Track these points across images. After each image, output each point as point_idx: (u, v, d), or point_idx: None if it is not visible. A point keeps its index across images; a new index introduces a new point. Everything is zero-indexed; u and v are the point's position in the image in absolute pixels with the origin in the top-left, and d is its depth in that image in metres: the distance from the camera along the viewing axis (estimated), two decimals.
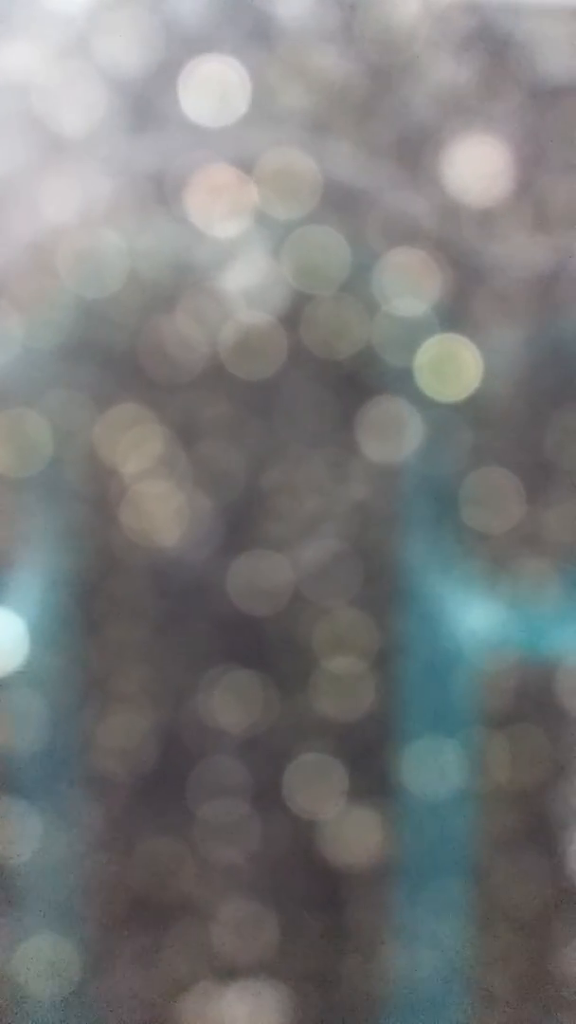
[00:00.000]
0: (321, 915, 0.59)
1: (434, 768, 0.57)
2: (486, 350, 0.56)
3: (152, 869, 0.58)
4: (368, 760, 0.58)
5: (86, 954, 0.58)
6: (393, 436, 0.57)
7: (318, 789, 0.58)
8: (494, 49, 0.56)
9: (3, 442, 0.56)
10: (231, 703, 0.57)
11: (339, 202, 0.55)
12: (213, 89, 0.54)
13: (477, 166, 0.56)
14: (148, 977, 0.58)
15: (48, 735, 0.57)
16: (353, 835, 0.58)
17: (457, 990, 0.59)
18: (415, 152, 0.56)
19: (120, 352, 0.56)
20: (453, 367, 0.56)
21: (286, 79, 0.55)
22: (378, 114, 0.56)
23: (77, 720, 0.57)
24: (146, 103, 0.55)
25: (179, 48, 0.55)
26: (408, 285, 0.56)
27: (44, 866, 0.57)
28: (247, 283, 0.56)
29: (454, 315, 0.56)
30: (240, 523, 0.57)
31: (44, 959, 0.58)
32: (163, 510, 0.57)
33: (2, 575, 0.57)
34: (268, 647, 0.57)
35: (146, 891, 0.58)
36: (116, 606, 0.57)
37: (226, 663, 0.57)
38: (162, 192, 0.55)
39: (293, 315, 0.56)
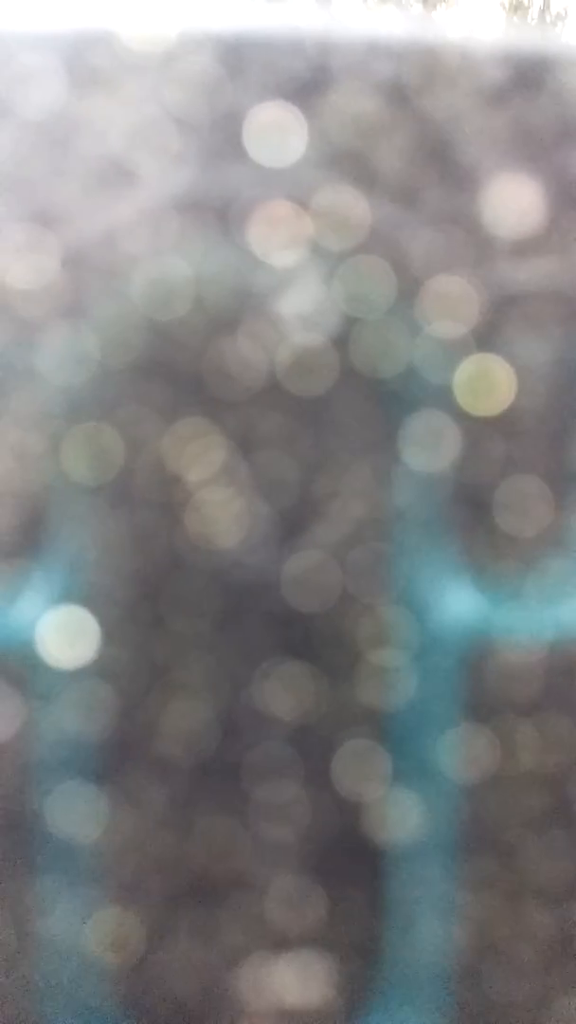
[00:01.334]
0: (366, 891, 0.60)
1: (471, 753, 0.60)
2: (519, 369, 0.59)
3: (210, 847, 0.60)
4: (408, 747, 0.60)
5: (148, 927, 0.60)
6: (433, 447, 0.60)
7: (363, 773, 0.60)
8: (528, 96, 0.61)
9: (79, 453, 0.59)
10: (284, 693, 0.60)
11: (387, 234, 0.59)
12: (275, 132, 0.58)
13: (512, 201, 0.59)
14: (206, 948, 0.60)
15: (116, 722, 0.59)
16: (396, 816, 0.60)
17: (493, 963, 0.62)
18: (456, 189, 0.59)
19: (186, 370, 0.58)
20: (489, 384, 0.59)
21: (339, 124, 0.59)
22: (423, 155, 0.59)
23: (143, 708, 0.59)
24: (215, 144, 0.58)
25: (244, 94, 0.59)
26: (448, 309, 0.59)
27: (111, 845, 0.59)
28: (301, 308, 0.58)
29: (490, 337, 0.59)
30: (293, 527, 0.59)
31: (111, 931, 0.60)
32: (224, 515, 0.59)
33: (78, 576, 0.60)
34: (317, 641, 0.60)
35: (204, 868, 0.60)
36: (180, 603, 0.59)
37: (279, 656, 0.59)
38: (227, 225, 0.58)
39: (343, 337, 0.58)
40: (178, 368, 0.58)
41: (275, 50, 0.58)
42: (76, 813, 0.59)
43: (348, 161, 0.58)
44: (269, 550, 0.59)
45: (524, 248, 0.59)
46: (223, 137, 0.58)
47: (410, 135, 0.59)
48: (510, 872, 0.61)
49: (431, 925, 0.61)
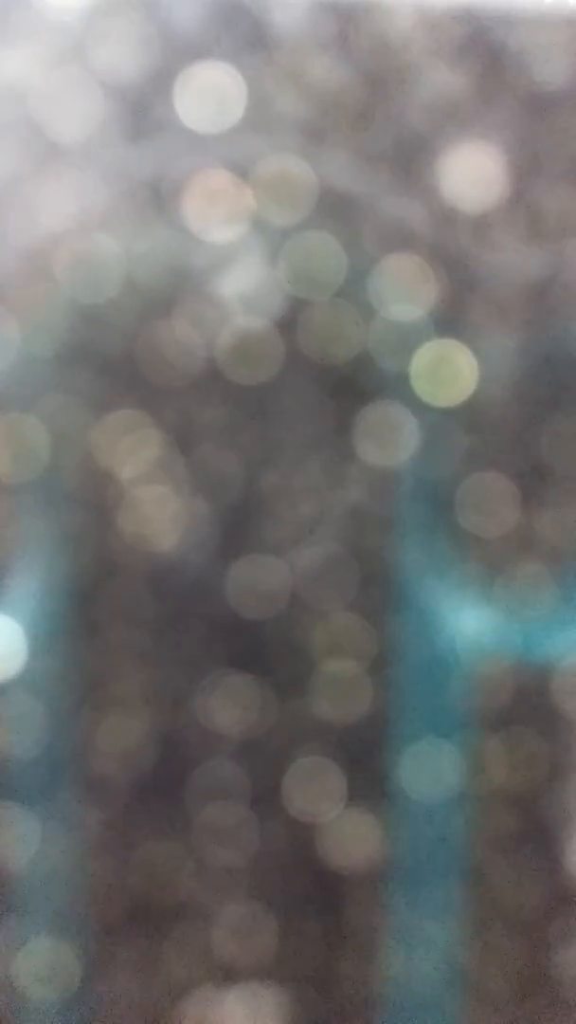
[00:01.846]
0: (320, 918, 0.58)
1: (431, 771, 0.57)
2: (481, 355, 0.57)
3: (151, 873, 0.58)
4: (366, 763, 0.57)
5: (85, 958, 0.57)
6: (389, 440, 0.57)
7: (317, 792, 0.57)
8: (489, 58, 0.56)
9: (1, 448, 0.56)
10: (229, 706, 0.57)
11: (335, 208, 0.55)
12: (209, 95, 0.54)
13: (472, 174, 0.56)
14: (147, 981, 0.58)
15: (46, 739, 0.56)
16: (352, 838, 0.58)
17: (454, 992, 0.59)
18: (410, 159, 0.56)
19: (117, 357, 0.55)
20: (449, 372, 0.56)
21: (282, 86, 0.55)
22: (373, 122, 0.56)
23: (75, 724, 0.57)
24: (143, 109, 0.55)
25: (175, 55, 0.55)
26: (403, 291, 0.56)
27: (42, 870, 0.57)
28: (243, 288, 0.56)
29: (449, 321, 0.56)
30: (237, 527, 0.57)
31: (43, 964, 0.58)
32: (160, 514, 0.57)
33: (1, 583, 0.57)
34: (266, 650, 0.57)
35: (145, 895, 0.58)
36: (114, 610, 0.57)
37: (224, 667, 0.57)
38: (159, 198, 0.55)
39: (289, 320, 0.56)
40: (108, 355, 0.56)
41: (210, 5, 0.54)
42: (4, 838, 0.56)
43: (292, 126, 0.54)
44: (211, 552, 0.56)
45: (488, 223, 0.55)
46: (153, 101, 0.54)
47: (360, 98, 0.55)
48: (482, 899, 0.57)
49: (391, 955, 0.58)
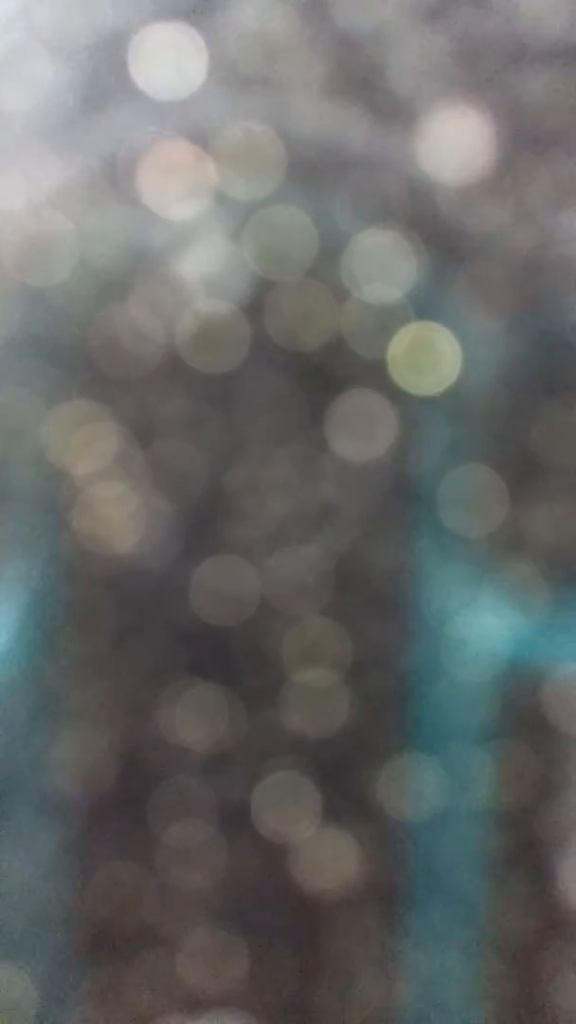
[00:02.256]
0: (294, 945, 0.57)
1: (415, 787, 0.55)
2: (465, 339, 0.54)
3: (112, 897, 0.56)
4: (343, 779, 0.56)
5: (43, 988, 0.56)
6: (365, 433, 0.54)
7: (289, 810, 0.55)
8: (472, 13, 0.53)
9: None
10: (195, 719, 0.55)
11: (305, 180, 0.53)
12: (166, 58, 0.52)
13: (455, 141, 0.53)
14: (110, 1012, 0.56)
15: None
16: (328, 860, 0.56)
17: None
18: (387, 126, 0.53)
19: (70, 345, 0.54)
20: (429, 358, 0.54)
21: (245, 47, 0.53)
22: (347, 83, 0.53)
23: (30, 738, 0.55)
24: (94, 75, 0.52)
25: (129, 15, 0.52)
26: (380, 270, 0.53)
27: None
28: (206, 269, 0.53)
29: (430, 302, 0.54)
30: (202, 527, 0.55)
31: None
32: (118, 514, 0.55)
33: None
34: (234, 659, 0.55)
35: (106, 920, 0.56)
36: (70, 617, 0.55)
37: (189, 676, 0.55)
38: (113, 171, 0.53)
39: (256, 303, 0.53)
40: (60, 342, 0.54)
41: None
42: None
43: (258, 91, 0.51)
44: (173, 554, 0.55)
45: (470, 195, 0.52)
46: (105, 65, 0.51)
47: (331, 59, 0.52)
48: (469, 924, 0.54)
49: (370, 985, 0.55)
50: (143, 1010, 0.56)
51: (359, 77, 0.53)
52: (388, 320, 0.54)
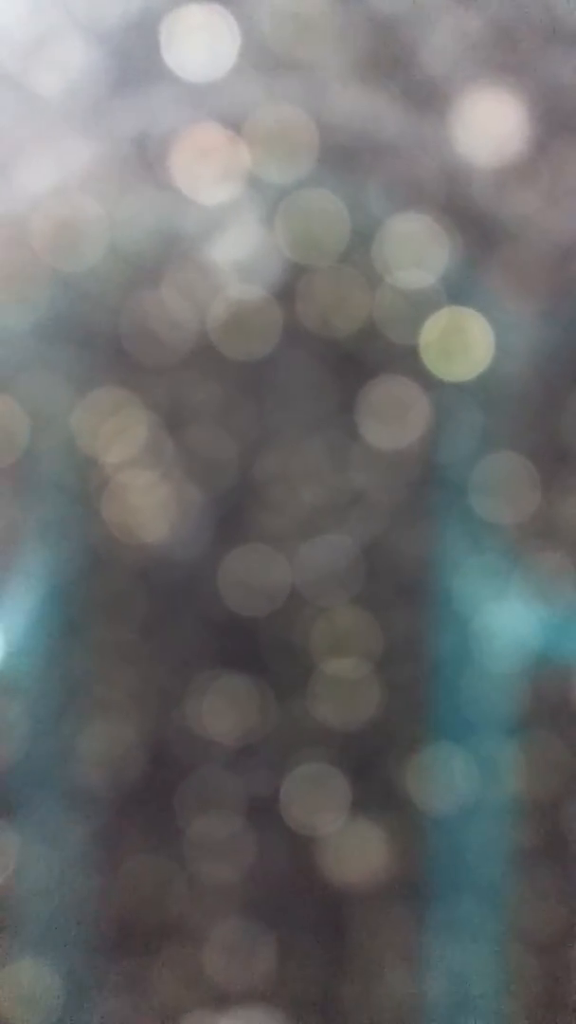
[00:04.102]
0: (322, 938, 0.56)
1: (444, 779, 0.54)
2: (498, 325, 0.54)
3: (139, 889, 0.55)
4: (372, 771, 0.55)
5: (70, 981, 0.55)
6: (397, 420, 0.54)
7: (318, 802, 0.55)
8: None
9: None
10: (224, 710, 0.55)
11: (338, 164, 0.53)
12: (199, 40, 0.51)
13: (489, 123, 0.53)
14: (136, 1005, 0.56)
15: (27, 745, 0.54)
16: (356, 852, 0.55)
17: (467, 1018, 0.56)
18: (421, 108, 0.53)
19: (101, 331, 0.53)
20: (462, 344, 0.54)
21: (279, 28, 0.52)
22: (381, 65, 0.53)
23: (58, 729, 0.54)
24: (126, 57, 0.52)
25: None
26: (414, 254, 0.53)
27: (23, 886, 0.55)
28: (238, 254, 0.53)
29: (464, 287, 0.53)
30: (232, 516, 0.54)
31: (25, 986, 0.55)
32: (148, 503, 0.54)
33: None
34: (263, 649, 0.55)
35: (133, 913, 0.56)
36: (99, 607, 0.55)
37: (218, 667, 0.55)
38: (144, 155, 0.52)
39: (288, 289, 0.53)
40: (91, 329, 0.53)
41: None
42: None
43: (291, 73, 0.51)
44: (204, 543, 0.54)
45: (504, 179, 0.52)
46: (138, 47, 0.51)
47: (365, 40, 0.51)
48: (498, 918, 0.54)
49: (398, 978, 0.55)
50: (170, 1004, 0.56)
51: (393, 60, 0.53)
52: (421, 306, 0.53)
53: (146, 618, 0.55)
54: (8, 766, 0.54)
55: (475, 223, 0.53)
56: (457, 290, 0.54)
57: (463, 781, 0.55)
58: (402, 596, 0.55)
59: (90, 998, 0.56)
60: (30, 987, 0.55)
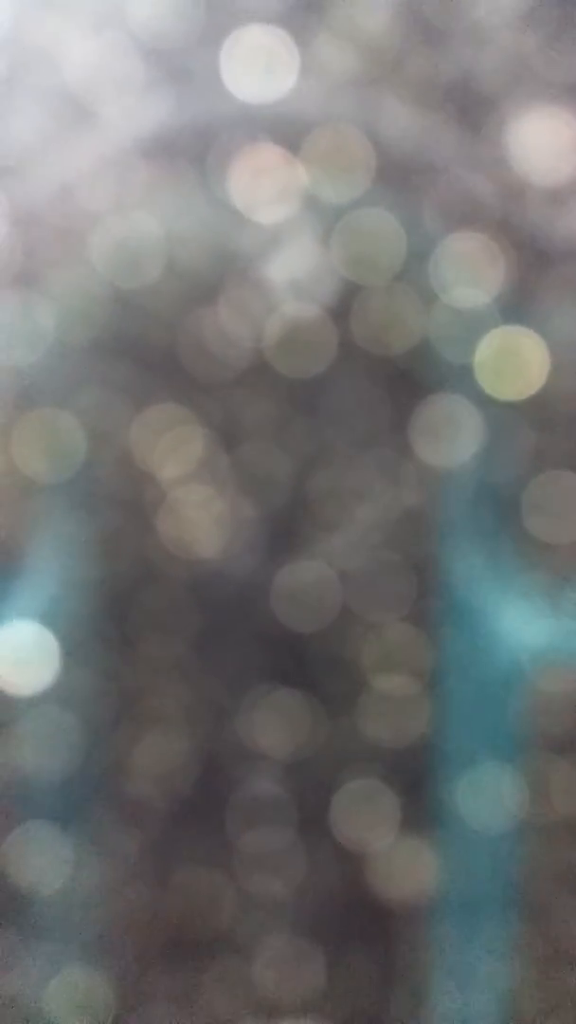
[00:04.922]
0: (369, 953, 0.56)
1: (491, 797, 0.54)
2: (553, 344, 0.53)
3: (189, 902, 0.56)
4: (421, 788, 0.55)
5: (119, 991, 0.56)
6: (450, 438, 0.54)
7: (367, 818, 0.55)
8: (565, 10, 0.52)
9: (33, 445, 0.54)
10: (274, 725, 0.55)
11: (395, 183, 0.53)
12: (258, 60, 0.52)
13: (546, 140, 0.52)
14: (185, 1017, 0.56)
15: (79, 757, 0.55)
16: (404, 868, 0.55)
17: None
18: (478, 126, 0.53)
19: (157, 347, 0.53)
20: (516, 363, 0.53)
21: (337, 48, 0.52)
22: (438, 85, 0.52)
23: (110, 742, 0.55)
24: (186, 76, 0.52)
25: (221, 16, 0.51)
26: (469, 273, 0.53)
27: (75, 897, 0.55)
28: (294, 272, 0.53)
29: (519, 306, 0.53)
30: (285, 532, 0.55)
31: (75, 996, 0.56)
32: (203, 518, 0.54)
33: (33, 588, 0.54)
34: (314, 665, 0.55)
35: (183, 925, 0.56)
36: (152, 620, 0.55)
37: (269, 682, 0.55)
38: (202, 172, 0.52)
39: (343, 307, 0.53)
40: (148, 345, 0.53)
41: None
42: (36, 861, 0.54)
43: (348, 94, 0.51)
44: (256, 559, 0.54)
45: (561, 198, 0.51)
46: (198, 67, 0.51)
47: (424, 61, 0.51)
48: (543, 936, 0.54)
49: (445, 994, 0.54)
50: (219, 1015, 0.56)
51: (450, 78, 0.53)
52: (475, 325, 0.53)
53: (199, 633, 0.55)
54: (62, 778, 0.55)
55: (530, 242, 0.53)
56: (511, 309, 0.53)
57: (512, 799, 0.55)
58: (453, 614, 0.55)
59: (140, 1009, 0.56)
60: (82, 996, 0.56)
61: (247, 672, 0.55)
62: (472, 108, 0.53)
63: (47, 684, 0.54)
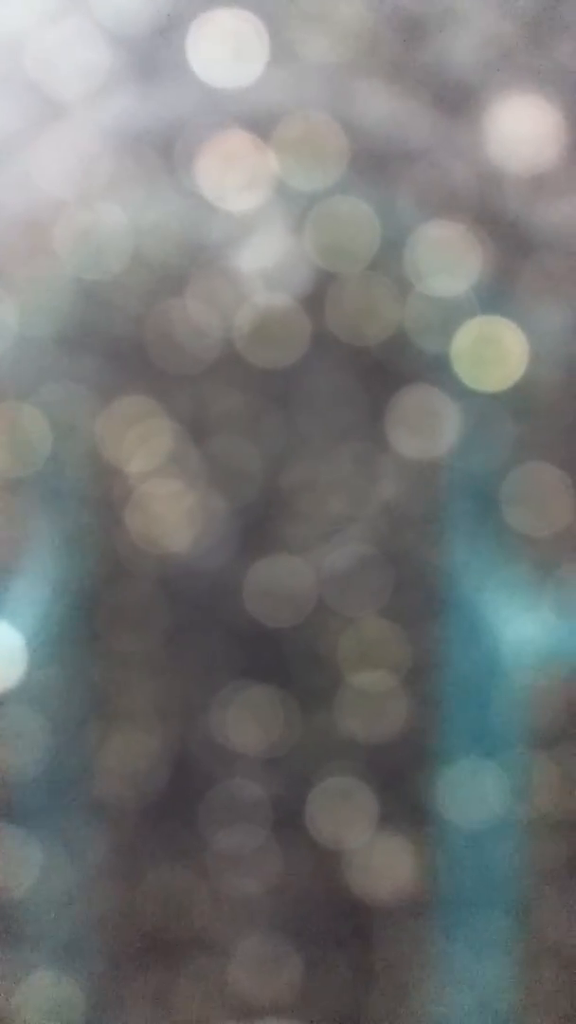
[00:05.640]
0: (347, 952, 0.56)
1: (472, 793, 0.54)
2: (531, 334, 0.53)
3: (163, 902, 0.55)
4: (399, 784, 0.55)
5: (92, 993, 0.55)
6: (427, 430, 0.53)
7: (344, 815, 0.54)
8: None
9: None
10: (248, 722, 0.54)
11: (369, 170, 0.52)
12: (226, 44, 0.51)
13: (524, 127, 0.52)
14: (159, 1018, 0.56)
15: (50, 756, 0.54)
16: (382, 866, 0.55)
17: None
18: (454, 112, 0.52)
19: (125, 339, 0.53)
20: (495, 353, 0.53)
21: (307, 31, 0.51)
22: (412, 69, 0.52)
23: (81, 740, 0.54)
24: (152, 61, 0.51)
25: (188, 0, 0.51)
26: (445, 262, 0.52)
27: (46, 898, 0.55)
28: (265, 262, 0.52)
29: (496, 295, 0.52)
30: (257, 525, 0.54)
31: (47, 998, 0.55)
32: (173, 512, 0.54)
33: None
34: (288, 661, 0.54)
35: (156, 925, 0.56)
36: (122, 616, 0.54)
37: (242, 678, 0.54)
38: (170, 161, 0.52)
39: (316, 297, 0.52)
40: (115, 337, 0.53)
41: None
42: (5, 863, 0.54)
43: (319, 78, 0.50)
44: (228, 553, 0.54)
45: (540, 186, 0.51)
46: (165, 52, 0.51)
47: (396, 44, 0.51)
48: (528, 934, 0.53)
49: (426, 994, 0.54)
50: (194, 1017, 0.56)
51: (424, 65, 0.52)
52: (452, 314, 0.53)
53: (170, 628, 0.55)
54: (30, 777, 0.54)
55: (508, 230, 0.53)
56: (489, 299, 0.53)
57: (490, 795, 0.54)
58: (430, 608, 0.55)
59: (113, 1011, 0.56)
60: (53, 999, 0.55)
61: (220, 668, 0.55)
62: (448, 94, 0.52)
63: (14, 683, 0.54)
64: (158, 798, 0.55)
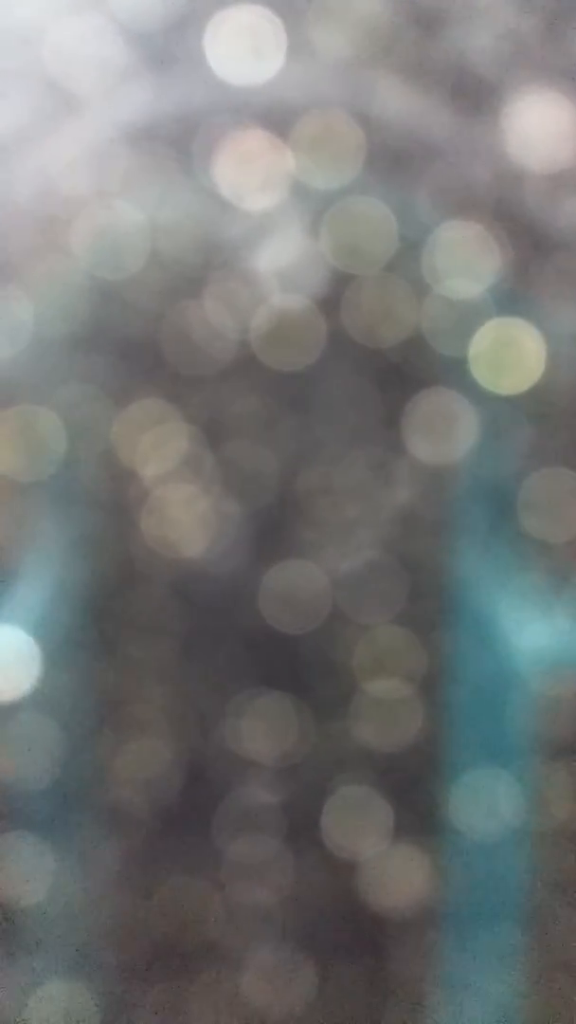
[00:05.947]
0: (361, 964, 0.55)
1: (487, 803, 0.53)
2: (550, 337, 0.52)
3: (175, 912, 0.55)
4: (414, 794, 0.54)
5: (103, 1003, 0.55)
6: (445, 434, 0.53)
7: (359, 826, 0.54)
8: None
9: (11, 442, 0.53)
10: (262, 730, 0.54)
11: (387, 169, 0.51)
12: (243, 41, 0.50)
13: (544, 125, 0.51)
14: None
15: (61, 764, 0.53)
16: (397, 877, 0.54)
17: None
18: (474, 110, 0.51)
19: (139, 341, 0.52)
20: (513, 356, 0.52)
21: (325, 27, 0.50)
22: (432, 67, 0.51)
23: (93, 747, 0.54)
24: (168, 58, 0.51)
25: None
26: (464, 263, 0.52)
27: (57, 907, 0.54)
28: (282, 262, 0.52)
29: (516, 297, 0.52)
30: (273, 531, 0.53)
31: (58, 1008, 0.55)
32: (187, 516, 0.53)
33: (10, 589, 0.53)
34: (303, 668, 0.54)
35: (168, 935, 0.55)
36: (135, 622, 0.54)
37: (257, 686, 0.54)
38: (187, 160, 0.51)
39: (333, 298, 0.52)
40: (130, 338, 0.52)
41: None
42: (16, 871, 0.53)
43: (337, 76, 0.49)
44: (243, 558, 0.53)
45: (558, 185, 0.50)
46: (182, 49, 0.50)
47: (415, 42, 0.50)
48: (542, 946, 0.53)
49: (440, 1007, 0.54)
50: None
51: (445, 60, 0.51)
52: (470, 316, 0.52)
53: (184, 634, 0.54)
54: (42, 785, 0.54)
55: (527, 231, 0.52)
56: (508, 300, 0.52)
57: (506, 805, 0.54)
58: (446, 615, 0.54)
59: (124, 1021, 0.55)
60: (64, 1009, 0.55)
61: (233, 675, 0.54)
62: (468, 91, 0.52)
63: (27, 690, 0.53)
64: (170, 806, 0.54)
